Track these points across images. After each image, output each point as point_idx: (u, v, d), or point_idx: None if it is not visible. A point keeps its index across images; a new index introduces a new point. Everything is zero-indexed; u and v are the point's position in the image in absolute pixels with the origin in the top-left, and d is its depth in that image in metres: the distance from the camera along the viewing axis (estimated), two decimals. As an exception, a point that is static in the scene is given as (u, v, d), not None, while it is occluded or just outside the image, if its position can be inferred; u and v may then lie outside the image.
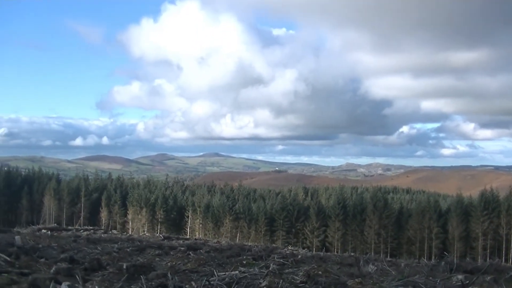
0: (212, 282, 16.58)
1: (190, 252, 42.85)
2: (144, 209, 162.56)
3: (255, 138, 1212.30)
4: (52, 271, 23.51)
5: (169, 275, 17.57)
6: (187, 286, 15.95)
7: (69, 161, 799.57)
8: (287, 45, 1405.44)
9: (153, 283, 16.66)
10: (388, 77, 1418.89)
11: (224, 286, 16.61)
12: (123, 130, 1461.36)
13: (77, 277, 17.97)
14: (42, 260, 32.62)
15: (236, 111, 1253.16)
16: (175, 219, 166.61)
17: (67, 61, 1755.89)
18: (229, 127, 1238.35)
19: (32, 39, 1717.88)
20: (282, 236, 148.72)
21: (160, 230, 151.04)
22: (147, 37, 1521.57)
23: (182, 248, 47.79)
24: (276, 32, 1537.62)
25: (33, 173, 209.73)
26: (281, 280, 18.13)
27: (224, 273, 20.70)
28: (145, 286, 16.14)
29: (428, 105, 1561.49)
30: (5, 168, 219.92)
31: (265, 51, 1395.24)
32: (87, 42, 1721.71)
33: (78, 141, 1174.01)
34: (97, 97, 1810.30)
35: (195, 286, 15.73)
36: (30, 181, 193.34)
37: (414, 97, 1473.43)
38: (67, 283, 15.95)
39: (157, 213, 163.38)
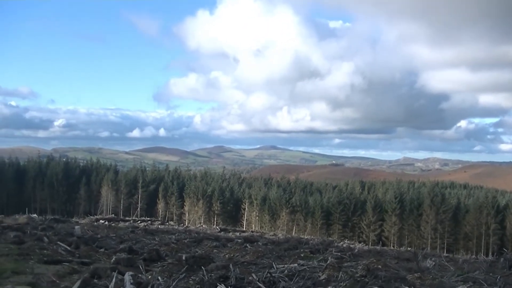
0: (273, 275, 16.60)
1: (247, 245, 42.99)
2: (201, 201, 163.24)
3: (311, 131, 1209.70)
4: (112, 261, 23.80)
5: (230, 267, 17.60)
6: (250, 277, 15.96)
7: (126, 153, 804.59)
8: (344, 38, 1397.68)
9: (212, 274, 16.78)
10: (445, 70, 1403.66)
11: (286, 278, 16.62)
12: (180, 122, 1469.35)
13: (140, 267, 18.18)
14: (102, 250, 33.10)
15: (293, 104, 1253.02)
16: (232, 211, 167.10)
17: (124, 54, 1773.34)
18: (286, 120, 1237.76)
19: (91, 32, 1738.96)
20: (338, 229, 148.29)
21: (216, 222, 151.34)
22: (203, 29, 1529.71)
23: (239, 240, 47.95)
24: (333, 24, 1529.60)
25: (91, 164, 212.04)
26: (340, 273, 18.11)
27: (282, 265, 20.72)
28: (206, 277, 16.22)
29: (486, 99, 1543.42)
30: (64, 159, 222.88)
31: (322, 44, 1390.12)
32: (144, 34, 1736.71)
33: (136, 133, 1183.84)
34: (154, 89, 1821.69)
35: (256, 278, 15.75)
36: (88, 172, 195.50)
37: (472, 91, 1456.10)
38: (130, 273, 16.09)
39: (214, 205, 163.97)
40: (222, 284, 14.89)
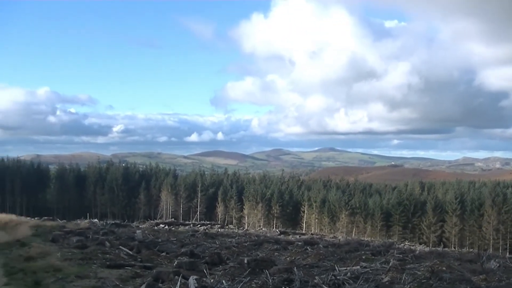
0: (338, 277, 16.47)
1: (308, 247, 42.94)
2: (260, 204, 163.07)
3: (369, 133, 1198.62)
4: (174, 264, 23.94)
5: (294, 270, 17.53)
6: (314, 280, 15.87)
7: (185, 157, 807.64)
8: (399, 37, 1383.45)
9: (275, 277, 16.71)
10: (503, 68, 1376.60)
11: (350, 281, 16.49)
12: (238, 125, 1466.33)
13: (204, 271, 18.22)
14: (163, 254, 33.42)
15: (350, 105, 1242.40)
16: (291, 214, 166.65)
17: (181, 58, 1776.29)
18: (343, 121, 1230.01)
19: (147, 38, 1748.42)
20: (398, 231, 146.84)
21: (276, 225, 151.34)
22: (258, 33, 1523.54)
23: (299, 243, 47.96)
24: (388, 24, 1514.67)
25: (150, 169, 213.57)
26: (404, 275, 17.95)
27: (345, 268, 20.63)
28: (269, 280, 16.15)
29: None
30: (123, 164, 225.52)
31: (377, 44, 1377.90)
32: (200, 39, 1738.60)
33: (194, 137, 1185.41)
34: (211, 93, 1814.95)
35: (320, 282, 15.65)
36: (148, 177, 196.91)
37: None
38: (195, 276, 16.14)
39: (273, 208, 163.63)
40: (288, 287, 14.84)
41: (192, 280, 15.75)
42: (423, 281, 16.92)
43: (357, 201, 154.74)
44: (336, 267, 20.22)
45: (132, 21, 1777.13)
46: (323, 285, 15.21)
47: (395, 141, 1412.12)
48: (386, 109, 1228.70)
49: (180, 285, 15.60)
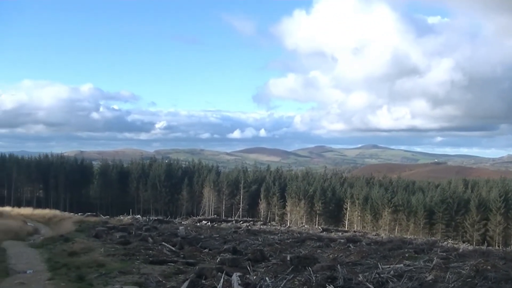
0: (382, 275, 16.36)
1: (350, 245, 42.79)
2: (303, 201, 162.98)
3: (412, 130, 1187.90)
4: (217, 261, 23.95)
5: (338, 267, 17.45)
6: (358, 278, 15.78)
7: (227, 154, 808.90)
8: (442, 33, 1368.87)
9: (318, 275, 16.63)
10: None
11: (394, 279, 16.37)
12: (280, 122, 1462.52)
13: (248, 268, 18.21)
14: (206, 250, 33.50)
15: (392, 102, 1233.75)
16: (333, 211, 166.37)
17: (222, 55, 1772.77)
18: (386, 118, 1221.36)
19: (189, 34, 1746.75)
20: (441, 229, 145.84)
21: (318, 222, 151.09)
22: (300, 29, 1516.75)
23: (341, 240, 47.80)
24: (431, 20, 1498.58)
25: (193, 166, 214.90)
26: (448, 274, 17.78)
27: (388, 266, 20.49)
28: (313, 278, 16.09)
29: None
30: (166, 161, 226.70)
31: (420, 40, 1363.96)
32: (241, 35, 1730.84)
33: (236, 134, 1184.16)
34: (253, 90, 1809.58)
35: (364, 279, 15.56)
36: (190, 173, 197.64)
37: None
38: (238, 273, 16.13)
39: (316, 205, 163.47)
40: (331, 285, 14.75)
41: (235, 277, 15.73)
42: (467, 280, 16.72)
43: (400, 198, 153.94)
44: (379, 265, 20.08)
45: (175, 18, 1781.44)
46: (367, 283, 15.11)
47: (439, 138, 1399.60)
48: (429, 106, 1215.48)
49: (223, 282, 15.60)
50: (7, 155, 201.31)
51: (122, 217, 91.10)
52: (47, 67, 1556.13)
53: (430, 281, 17.06)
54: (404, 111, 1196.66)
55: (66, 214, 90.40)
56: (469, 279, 16.92)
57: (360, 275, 16.51)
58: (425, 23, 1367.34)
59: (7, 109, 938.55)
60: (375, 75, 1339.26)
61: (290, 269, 19.28)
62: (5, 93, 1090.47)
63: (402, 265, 20.95)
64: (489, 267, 18.51)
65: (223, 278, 16.05)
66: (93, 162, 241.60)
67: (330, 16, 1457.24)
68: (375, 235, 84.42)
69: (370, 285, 14.90)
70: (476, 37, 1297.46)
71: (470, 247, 68.94)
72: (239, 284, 15.05)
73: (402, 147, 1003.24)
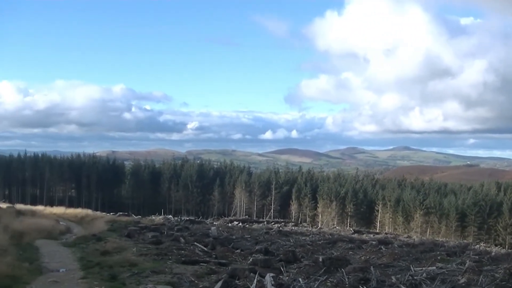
0: (415, 277, 16.31)
1: (382, 246, 42.71)
2: (334, 203, 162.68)
3: (444, 132, 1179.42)
4: (249, 262, 24.01)
5: (371, 269, 17.43)
6: (391, 280, 15.75)
7: (259, 154, 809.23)
8: (475, 34, 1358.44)
9: (350, 276, 16.64)
10: None
11: (427, 281, 16.32)
12: (312, 123, 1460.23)
13: (281, 268, 18.24)
14: (237, 251, 33.57)
15: (424, 104, 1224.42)
16: (365, 213, 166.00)
17: (255, 56, 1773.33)
18: (418, 120, 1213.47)
19: (221, 35, 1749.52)
20: (473, 232, 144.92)
21: (349, 224, 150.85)
22: (332, 30, 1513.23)
23: (373, 242, 47.72)
24: (464, 21, 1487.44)
25: (225, 166, 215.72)
26: (481, 277, 17.70)
27: (420, 268, 20.43)
28: (346, 279, 16.09)
29: None
30: (198, 161, 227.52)
31: (453, 42, 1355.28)
32: (274, 36, 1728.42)
33: (268, 135, 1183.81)
34: (285, 91, 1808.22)
35: (397, 282, 15.53)
36: (222, 174, 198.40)
37: None
38: (271, 274, 16.17)
39: (347, 206, 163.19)
40: (364, 287, 14.73)
41: (268, 278, 15.75)
42: (501, 283, 16.63)
43: (431, 200, 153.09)
44: (412, 267, 20.04)
45: (208, 19, 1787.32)
46: (400, 285, 15.08)
47: (471, 141, 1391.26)
48: (461, 108, 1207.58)
49: (256, 283, 15.63)
50: (40, 155, 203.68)
51: (153, 217, 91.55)
52: (79, 68, 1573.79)
53: (463, 284, 16.99)
54: (436, 112, 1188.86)
55: (98, 213, 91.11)
56: (503, 282, 16.83)
57: (393, 277, 16.47)
58: (458, 24, 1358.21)
59: (40, 109, 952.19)
60: (407, 76, 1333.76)
61: (322, 270, 19.26)
62: (38, 93, 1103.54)
63: (434, 267, 20.88)
64: (523, 271, 18.40)
65: (257, 278, 16.09)
66: (125, 162, 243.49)
67: (362, 17, 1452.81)
68: (407, 237, 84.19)
69: (403, 287, 14.86)
70: (509, 38, 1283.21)
71: (503, 251, 68.49)
72: (272, 285, 15.08)
73: (434, 149, 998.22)
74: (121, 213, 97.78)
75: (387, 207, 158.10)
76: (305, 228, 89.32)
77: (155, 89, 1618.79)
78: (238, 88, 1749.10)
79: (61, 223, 61.57)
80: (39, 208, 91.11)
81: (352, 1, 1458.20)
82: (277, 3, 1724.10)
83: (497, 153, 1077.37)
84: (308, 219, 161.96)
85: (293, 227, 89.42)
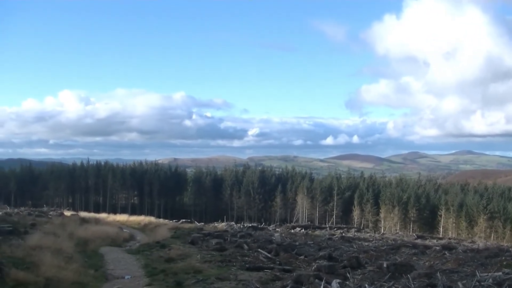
0: (482, 283, 16.19)
1: (446, 252, 42.29)
2: (397, 208, 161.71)
3: (508, 135, 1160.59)
4: (313, 268, 24.04)
5: (438, 275, 17.35)
6: (458, 286, 15.66)
7: (321, 160, 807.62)
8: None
9: (416, 282, 16.58)
10: None
11: (494, 287, 16.19)
12: (373, 128, 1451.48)
13: (348, 274, 18.25)
14: (301, 257, 33.58)
15: (486, 107, 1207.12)
16: (428, 218, 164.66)
17: (313, 61, 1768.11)
18: (480, 123, 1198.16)
19: (280, 41, 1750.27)
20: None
21: (412, 229, 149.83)
22: (391, 34, 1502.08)
23: (437, 248, 47.26)
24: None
25: (286, 172, 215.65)
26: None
27: (486, 274, 20.24)
28: (412, 285, 16.04)
29: None
30: (259, 168, 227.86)
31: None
32: (332, 41, 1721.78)
33: (329, 140, 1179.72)
34: (345, 96, 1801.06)
35: (464, 287, 15.45)
36: (284, 180, 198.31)
37: None
38: (338, 280, 16.21)
39: (410, 211, 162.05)
40: (430, 292, 14.71)
41: (335, 284, 15.79)
42: None
43: (495, 205, 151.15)
44: (478, 273, 19.85)
45: (267, 25, 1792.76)
46: (467, 291, 15.00)
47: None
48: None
49: (322, 289, 15.69)
50: (103, 163, 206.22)
51: (216, 224, 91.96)
52: (139, 76, 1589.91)
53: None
54: (499, 115, 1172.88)
55: (161, 220, 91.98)
56: None
57: (459, 283, 16.34)
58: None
59: (101, 117, 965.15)
60: (468, 79, 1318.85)
61: (387, 276, 19.22)
62: (99, 102, 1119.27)
63: (500, 273, 20.67)
64: None
65: (323, 285, 16.14)
66: (187, 169, 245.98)
67: (421, 20, 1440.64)
68: (471, 243, 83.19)
69: (470, 293, 14.77)
70: None
71: None
72: (339, 291, 15.14)
73: (498, 153, 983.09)
74: (183, 220, 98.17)
75: (450, 212, 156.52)
76: (368, 234, 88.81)
77: (215, 96, 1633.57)
78: (298, 94, 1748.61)
79: (124, 230, 62.39)
80: (103, 215, 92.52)
81: (410, 4, 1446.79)
82: (334, 8, 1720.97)
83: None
84: (370, 225, 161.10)
85: (355, 233, 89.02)
